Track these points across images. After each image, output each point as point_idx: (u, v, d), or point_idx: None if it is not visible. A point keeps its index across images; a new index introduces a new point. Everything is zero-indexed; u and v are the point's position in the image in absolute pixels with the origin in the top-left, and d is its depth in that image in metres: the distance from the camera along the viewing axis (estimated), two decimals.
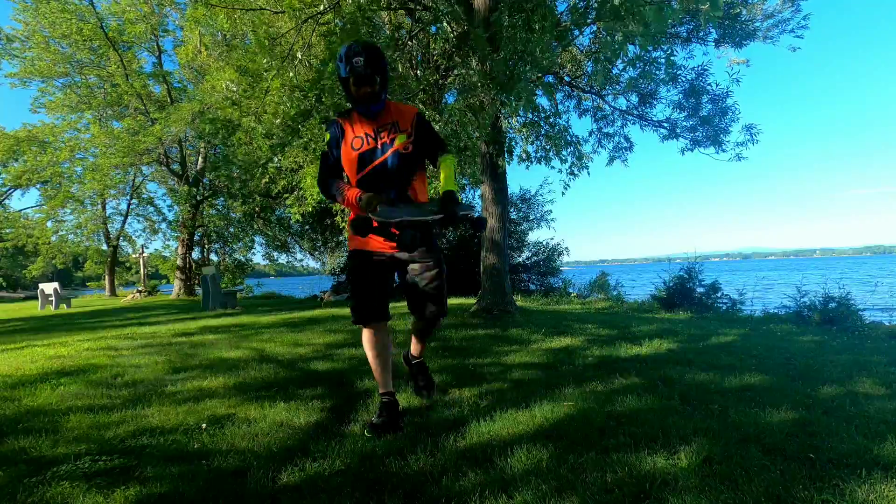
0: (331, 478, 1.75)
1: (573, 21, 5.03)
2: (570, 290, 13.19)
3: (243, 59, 6.65)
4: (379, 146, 2.29)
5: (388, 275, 2.41)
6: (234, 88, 6.75)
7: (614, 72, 5.84)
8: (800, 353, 3.86)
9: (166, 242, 19.13)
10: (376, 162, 2.29)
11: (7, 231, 18.98)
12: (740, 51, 7.09)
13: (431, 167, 2.61)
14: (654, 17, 3.26)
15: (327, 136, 2.37)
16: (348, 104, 2.38)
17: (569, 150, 6.70)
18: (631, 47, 3.77)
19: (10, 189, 19.01)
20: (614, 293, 12.19)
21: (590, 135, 8.62)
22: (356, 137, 2.30)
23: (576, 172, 6.75)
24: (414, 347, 2.76)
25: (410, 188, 2.36)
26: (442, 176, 2.35)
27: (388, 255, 2.35)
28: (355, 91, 2.22)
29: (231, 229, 18.33)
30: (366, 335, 2.37)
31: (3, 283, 34.99)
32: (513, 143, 6.88)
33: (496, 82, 4.77)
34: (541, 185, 16.33)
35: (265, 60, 5.95)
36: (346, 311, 6.91)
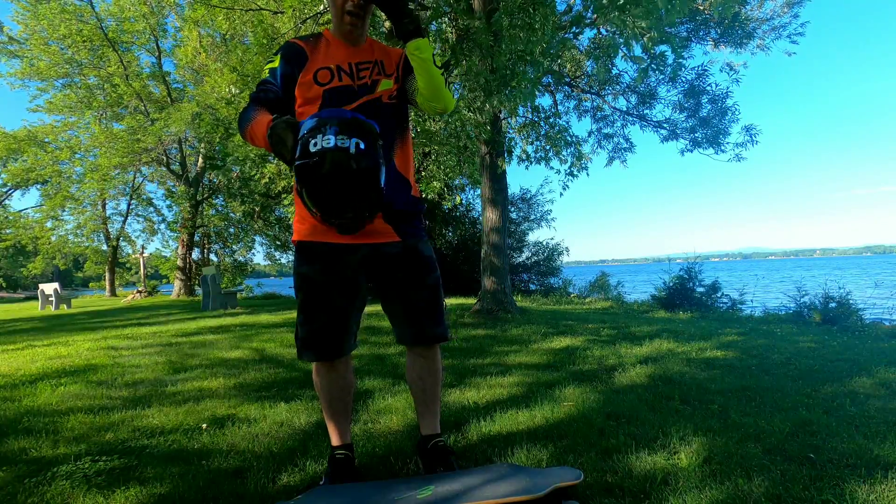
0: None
1: (574, 19, 5.03)
2: (570, 290, 13.20)
3: (241, 60, 6.65)
4: (356, 86, 1.57)
5: (361, 284, 1.61)
6: (235, 92, 6.75)
7: (614, 71, 5.86)
8: (800, 353, 3.86)
9: (165, 242, 19.19)
10: (353, 105, 1.55)
11: (7, 231, 19.00)
12: (738, 53, 7.12)
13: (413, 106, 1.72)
14: (665, 4, 3.23)
15: (276, 61, 1.59)
16: None
17: (568, 151, 6.70)
18: (638, 43, 3.76)
19: (10, 189, 19.03)
20: (614, 293, 12.20)
21: (589, 135, 8.64)
22: (323, 68, 1.57)
23: (575, 173, 6.76)
24: (423, 420, 1.77)
25: (395, 154, 1.63)
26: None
27: (365, 247, 1.57)
28: (343, 11, 1.58)
29: (231, 229, 18.35)
30: (319, 372, 1.66)
31: (3, 284, 35.00)
32: (512, 144, 6.89)
33: (498, 75, 4.78)
34: (541, 185, 16.39)
35: (263, 61, 5.96)
36: None
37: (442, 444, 1.73)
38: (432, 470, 1.68)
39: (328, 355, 1.61)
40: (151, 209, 20.02)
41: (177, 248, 17.19)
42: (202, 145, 15.56)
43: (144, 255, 18.78)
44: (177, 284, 16.44)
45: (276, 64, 1.58)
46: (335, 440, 1.72)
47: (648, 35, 3.54)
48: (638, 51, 4.09)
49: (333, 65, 1.59)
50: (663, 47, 3.85)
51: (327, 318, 1.58)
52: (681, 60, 4.33)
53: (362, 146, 1.20)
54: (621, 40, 3.68)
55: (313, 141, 1.22)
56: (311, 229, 1.57)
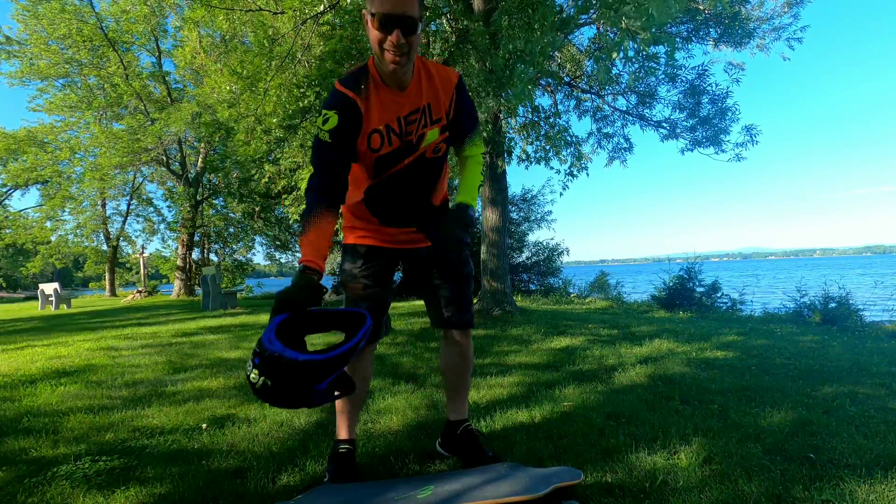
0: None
1: (577, 9, 5.02)
2: (570, 290, 13.19)
3: (241, 60, 6.64)
4: (403, 145, 1.58)
5: (394, 279, 1.82)
6: (235, 91, 6.75)
7: (614, 71, 5.85)
8: (800, 353, 3.86)
9: (165, 243, 19.19)
10: (398, 167, 1.61)
11: (7, 231, 19.00)
12: (739, 51, 7.11)
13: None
14: (657, 7, 3.24)
15: (333, 119, 1.49)
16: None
17: (568, 151, 6.70)
18: (631, 44, 3.76)
19: (10, 189, 19.04)
20: (614, 293, 12.20)
21: (589, 135, 8.63)
22: (375, 132, 1.54)
23: (575, 173, 6.76)
24: (452, 405, 1.89)
25: (435, 193, 1.75)
26: (463, 177, 1.70)
27: (408, 252, 1.77)
28: (382, 49, 1.43)
29: (231, 229, 18.36)
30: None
31: (3, 284, 35.00)
32: (512, 144, 6.88)
33: (495, 77, 4.77)
34: (543, 185, 16.35)
35: (263, 62, 5.95)
36: None
37: (471, 429, 1.85)
38: (463, 454, 1.80)
39: (371, 335, 1.69)
40: (151, 209, 20.04)
41: (177, 248, 17.19)
42: (202, 145, 15.57)
43: (144, 255, 18.77)
44: (177, 284, 16.44)
45: (335, 122, 1.49)
46: (343, 433, 1.74)
47: (642, 36, 3.54)
48: (633, 52, 4.09)
49: (383, 125, 1.55)
50: (659, 48, 3.85)
51: (373, 305, 1.70)
52: (672, 62, 4.32)
53: (269, 384, 1.25)
54: (614, 36, 3.67)
55: (250, 359, 1.31)
56: (364, 235, 1.73)
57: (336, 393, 1.36)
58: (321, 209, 1.48)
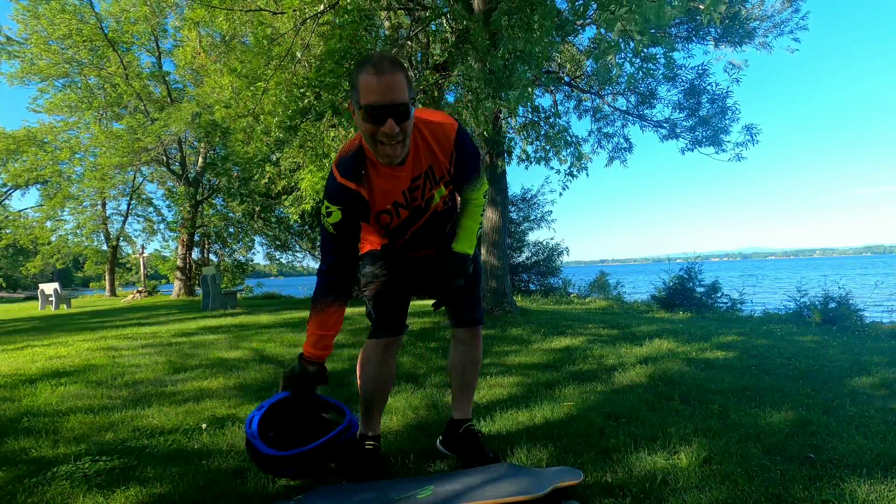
0: (330, 478, 1.75)
1: (574, 12, 5.02)
2: (570, 290, 13.19)
3: (240, 60, 6.63)
4: (412, 212, 1.63)
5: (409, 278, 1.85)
6: (236, 90, 6.74)
7: (614, 71, 5.86)
8: (800, 353, 3.86)
9: (165, 242, 19.18)
10: (414, 228, 1.68)
11: (7, 231, 18.99)
12: (740, 50, 7.11)
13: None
14: (654, 12, 3.24)
15: (336, 215, 1.52)
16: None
17: (568, 151, 6.69)
18: (630, 45, 3.76)
19: (9, 189, 19.03)
20: (614, 293, 12.20)
21: (589, 135, 8.63)
22: (383, 212, 1.60)
23: (575, 174, 6.76)
24: (456, 404, 1.93)
25: (448, 226, 1.81)
26: (463, 222, 1.72)
27: (423, 257, 1.83)
28: (376, 140, 1.42)
29: (231, 229, 18.34)
30: (375, 349, 1.77)
31: (3, 284, 34.98)
32: (512, 144, 6.88)
33: (495, 77, 4.77)
34: (542, 185, 16.33)
35: (262, 62, 5.94)
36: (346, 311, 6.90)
37: (473, 429, 1.86)
38: (463, 454, 1.81)
39: (396, 330, 1.78)
40: (151, 209, 20.01)
41: (177, 248, 17.17)
42: (202, 145, 15.55)
43: (144, 255, 18.77)
44: (177, 284, 16.42)
45: (338, 217, 1.52)
46: (367, 428, 1.80)
47: (639, 39, 3.54)
48: (631, 53, 4.08)
49: (390, 204, 1.58)
50: (657, 49, 3.85)
51: (394, 301, 1.79)
52: (671, 63, 4.32)
53: (248, 452, 1.57)
54: (611, 36, 3.67)
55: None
56: (380, 244, 1.82)
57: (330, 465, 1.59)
58: (328, 300, 1.58)
